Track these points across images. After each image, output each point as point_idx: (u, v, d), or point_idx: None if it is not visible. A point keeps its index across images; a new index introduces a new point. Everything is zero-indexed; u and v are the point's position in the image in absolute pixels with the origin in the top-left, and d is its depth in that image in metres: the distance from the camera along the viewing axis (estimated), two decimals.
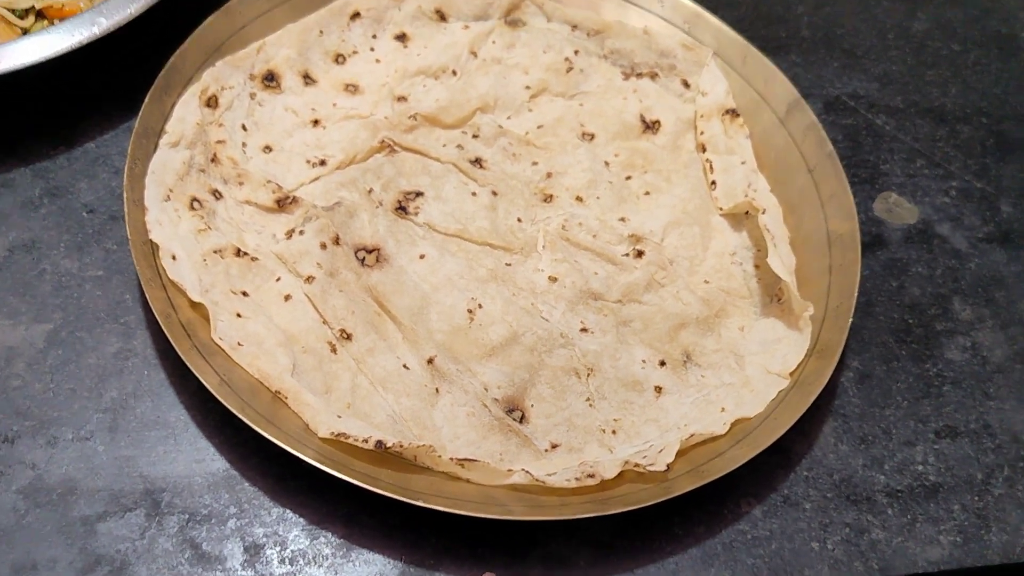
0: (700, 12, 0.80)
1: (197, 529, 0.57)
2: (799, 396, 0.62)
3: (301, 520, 0.58)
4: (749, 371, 0.65)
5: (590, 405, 0.63)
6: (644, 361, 0.66)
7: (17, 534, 0.56)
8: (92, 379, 0.62)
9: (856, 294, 0.66)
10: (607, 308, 0.67)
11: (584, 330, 0.66)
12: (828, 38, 0.89)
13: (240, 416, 0.55)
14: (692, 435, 0.60)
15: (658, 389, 0.65)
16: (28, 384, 0.61)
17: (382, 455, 0.58)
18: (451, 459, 0.57)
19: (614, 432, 0.63)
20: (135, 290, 0.65)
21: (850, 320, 0.65)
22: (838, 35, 0.90)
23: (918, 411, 0.68)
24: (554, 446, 0.61)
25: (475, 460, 0.57)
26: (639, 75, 0.80)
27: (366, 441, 0.56)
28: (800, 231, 0.72)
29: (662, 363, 0.66)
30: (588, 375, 0.64)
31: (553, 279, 0.68)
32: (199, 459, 0.60)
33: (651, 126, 0.77)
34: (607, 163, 0.75)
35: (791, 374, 0.64)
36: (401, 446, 0.57)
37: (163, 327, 0.58)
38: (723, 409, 0.63)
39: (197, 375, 0.56)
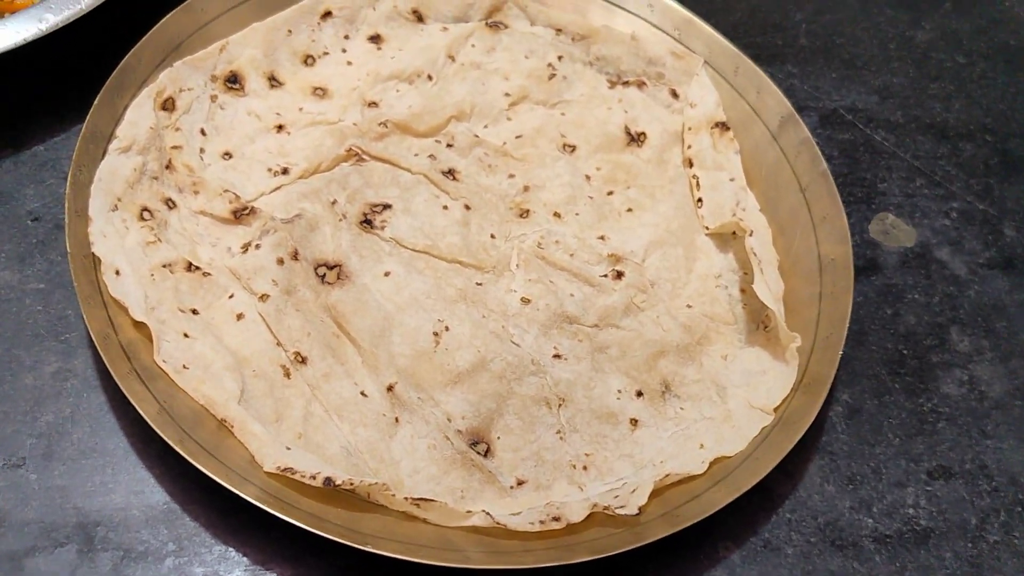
0: (691, 18, 0.76)
1: (132, 567, 0.53)
2: (783, 435, 0.58)
3: (244, 560, 0.54)
4: (731, 404, 0.62)
5: (560, 438, 0.59)
6: (620, 391, 0.62)
7: None
8: (27, 401, 0.58)
9: (847, 324, 0.62)
10: (582, 333, 0.63)
11: (557, 356, 0.62)
12: (827, 47, 0.85)
13: (178, 449, 0.51)
14: (667, 475, 0.56)
15: (634, 422, 0.61)
16: None
17: (333, 491, 0.54)
18: (406, 498, 0.53)
19: (585, 468, 0.59)
20: (78, 306, 0.61)
21: (840, 353, 0.61)
22: (837, 44, 0.86)
23: (910, 449, 0.64)
24: (520, 483, 0.58)
25: (432, 500, 0.54)
26: (625, 83, 0.76)
27: (314, 477, 0.53)
28: (790, 254, 0.68)
29: (639, 393, 0.62)
30: (560, 406, 0.60)
31: (526, 301, 0.64)
32: (137, 491, 0.56)
33: (636, 138, 0.73)
34: (588, 177, 0.71)
35: (775, 410, 0.60)
36: (352, 483, 0.53)
37: (100, 349, 0.54)
38: (702, 446, 0.59)
39: (133, 403, 0.52)
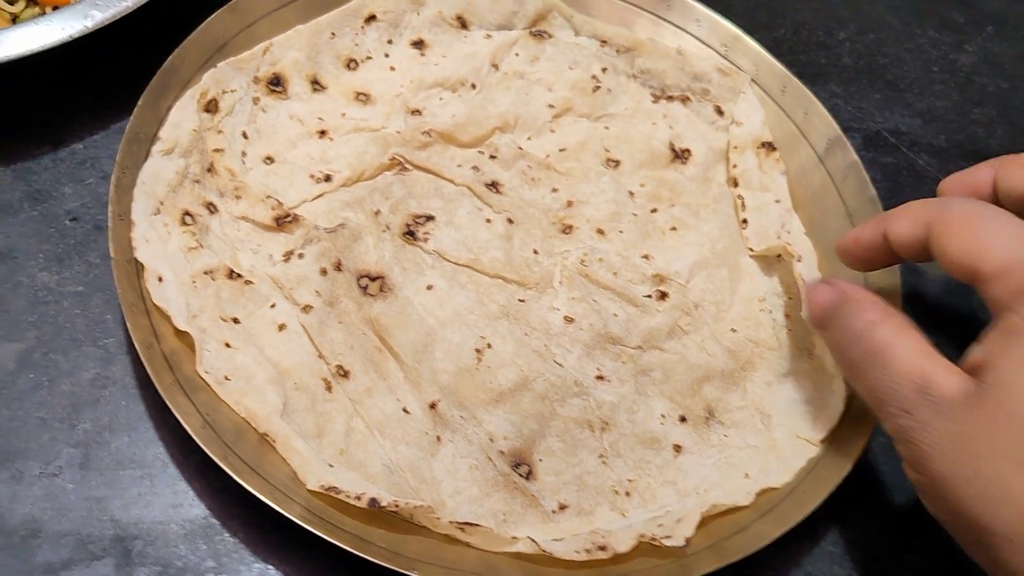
0: (739, 35, 0.75)
1: None
2: (831, 467, 0.57)
3: None
4: (776, 433, 0.61)
5: (603, 463, 0.59)
6: (663, 416, 0.61)
7: None
8: (65, 408, 0.57)
9: None
10: (626, 354, 0.62)
11: (600, 378, 0.61)
12: (870, 67, 0.84)
13: (223, 466, 0.50)
14: (713, 506, 0.56)
15: (677, 448, 0.60)
16: None
17: (376, 512, 0.53)
18: (451, 522, 0.53)
19: (628, 494, 0.58)
20: (117, 310, 0.60)
21: None
22: (881, 65, 0.85)
23: None
24: (562, 507, 0.57)
25: (476, 524, 0.53)
26: (670, 98, 0.75)
27: (359, 498, 0.52)
28: None
29: (682, 419, 0.61)
30: (603, 429, 0.60)
31: (569, 320, 0.63)
32: (176, 504, 0.55)
33: (680, 155, 0.72)
34: (632, 193, 0.70)
35: (821, 441, 0.59)
36: (397, 505, 0.52)
37: (144, 360, 0.53)
38: (747, 475, 0.59)
39: (178, 416, 0.51)
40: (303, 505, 0.51)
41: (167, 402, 0.52)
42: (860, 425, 0.59)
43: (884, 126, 0.81)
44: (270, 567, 0.54)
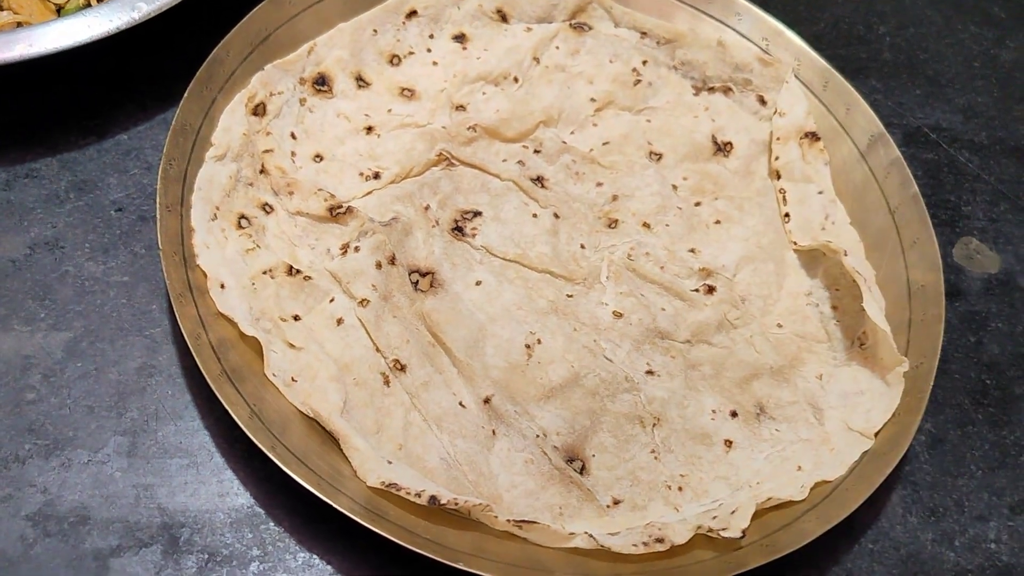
0: (781, 29, 0.74)
1: (217, 571, 0.53)
2: (873, 465, 0.57)
3: (328, 568, 0.54)
4: (829, 426, 0.60)
5: (655, 458, 0.59)
6: (714, 411, 0.61)
7: (23, 566, 0.51)
8: (112, 396, 0.57)
9: (939, 355, 0.61)
10: (675, 349, 0.62)
11: (650, 372, 0.61)
12: (911, 63, 0.84)
13: (271, 455, 0.51)
14: (768, 499, 0.55)
15: (728, 443, 0.60)
16: (44, 398, 0.56)
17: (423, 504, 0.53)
18: (508, 520, 0.53)
19: (680, 489, 0.58)
20: (162, 299, 0.60)
21: (931, 384, 0.60)
22: (921, 60, 0.84)
23: (992, 482, 0.63)
24: (616, 502, 0.57)
25: (534, 522, 0.53)
26: (711, 89, 0.74)
27: (419, 495, 0.52)
28: (877, 277, 0.66)
29: (733, 414, 0.61)
30: (654, 425, 0.59)
31: (618, 315, 0.63)
32: (222, 492, 0.55)
33: (722, 148, 0.72)
34: (675, 187, 0.70)
35: (876, 434, 0.59)
36: (456, 504, 0.52)
37: (193, 351, 0.53)
38: (799, 468, 0.58)
39: (227, 407, 0.52)
40: (349, 496, 0.52)
41: (216, 392, 0.52)
42: (903, 424, 0.59)
43: (925, 122, 0.80)
44: (315, 556, 0.54)
